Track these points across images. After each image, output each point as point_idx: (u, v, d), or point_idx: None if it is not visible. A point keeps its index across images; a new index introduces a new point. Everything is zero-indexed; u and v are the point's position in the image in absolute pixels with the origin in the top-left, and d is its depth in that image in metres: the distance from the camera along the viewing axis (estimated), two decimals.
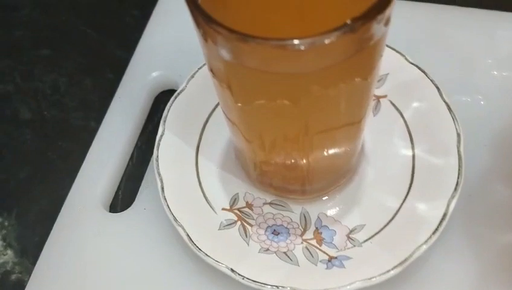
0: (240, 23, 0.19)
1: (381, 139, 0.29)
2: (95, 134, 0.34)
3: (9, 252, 0.31)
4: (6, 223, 0.32)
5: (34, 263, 0.30)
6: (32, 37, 0.41)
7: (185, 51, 0.35)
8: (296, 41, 0.16)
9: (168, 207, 0.27)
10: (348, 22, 0.17)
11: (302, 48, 0.17)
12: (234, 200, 0.28)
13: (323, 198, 0.28)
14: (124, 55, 0.38)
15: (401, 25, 0.34)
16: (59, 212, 0.31)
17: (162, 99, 0.36)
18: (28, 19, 0.42)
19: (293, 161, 0.26)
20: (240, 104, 0.22)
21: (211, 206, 0.28)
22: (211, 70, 0.22)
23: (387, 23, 0.18)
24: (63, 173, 0.33)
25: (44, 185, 0.33)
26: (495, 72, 0.33)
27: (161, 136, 0.29)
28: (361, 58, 0.19)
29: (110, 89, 0.36)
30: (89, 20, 0.41)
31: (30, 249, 0.31)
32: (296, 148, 0.24)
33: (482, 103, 0.32)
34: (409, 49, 0.31)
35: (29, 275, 0.29)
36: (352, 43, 0.17)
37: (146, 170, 0.32)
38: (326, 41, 0.16)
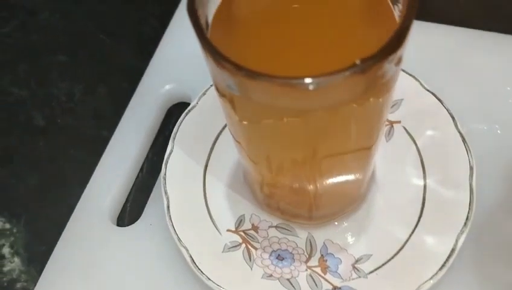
0: (250, 54, 0.19)
1: (392, 166, 0.29)
2: (106, 144, 0.34)
3: (17, 259, 0.32)
4: (14, 230, 0.33)
5: (40, 272, 0.30)
6: (49, 42, 0.41)
7: (199, 64, 0.35)
8: (303, 81, 0.16)
9: (173, 227, 0.27)
10: (358, 62, 0.16)
11: (310, 87, 0.16)
12: (240, 222, 0.28)
13: (331, 224, 0.28)
14: (140, 65, 0.38)
15: (418, 46, 0.34)
16: (67, 221, 0.31)
17: (174, 111, 0.36)
18: (46, 23, 0.42)
19: (299, 184, 0.25)
20: (245, 123, 0.21)
21: (216, 227, 0.27)
22: (217, 89, 0.21)
23: (399, 62, 0.18)
24: (73, 182, 0.34)
25: (54, 194, 0.33)
26: None
27: (170, 153, 0.29)
28: (372, 95, 0.19)
29: (124, 99, 0.36)
30: (107, 28, 0.41)
31: (37, 258, 0.31)
32: (303, 172, 0.24)
33: (498, 132, 0.31)
34: (425, 72, 0.31)
35: (35, 285, 0.29)
36: (362, 82, 0.17)
37: (155, 183, 0.32)
38: (334, 81, 0.16)
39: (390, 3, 0.20)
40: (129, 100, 0.36)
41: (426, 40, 0.34)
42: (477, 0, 0.39)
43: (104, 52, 0.40)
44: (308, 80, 0.16)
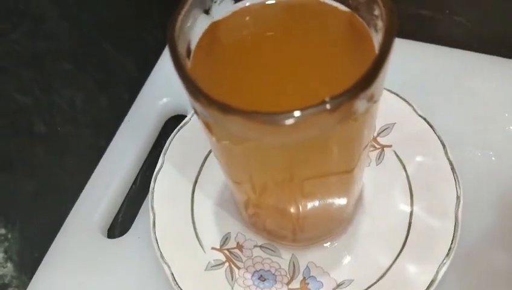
0: (228, 83, 0.19)
1: (381, 190, 0.29)
2: (102, 153, 0.35)
3: (9, 265, 0.32)
4: (9, 236, 0.33)
5: (30, 279, 0.31)
6: (55, 50, 0.42)
7: None
8: (272, 116, 0.16)
9: (157, 243, 0.27)
10: (327, 99, 0.16)
11: (280, 122, 0.16)
12: (225, 240, 0.28)
13: (315, 246, 0.28)
14: (141, 77, 0.39)
15: (416, 68, 0.34)
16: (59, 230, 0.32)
17: (171, 124, 0.36)
18: (53, 32, 0.43)
19: (282, 206, 0.25)
20: (223, 143, 0.21)
21: (200, 244, 0.28)
22: (194, 110, 0.22)
23: (371, 98, 0.18)
24: (68, 190, 0.34)
25: (49, 201, 0.34)
26: (510, 127, 0.32)
27: (160, 168, 0.29)
28: (345, 128, 0.19)
29: (123, 110, 0.37)
30: (112, 38, 0.42)
31: (29, 265, 0.32)
32: (284, 194, 0.24)
33: (493, 159, 0.31)
34: (421, 94, 0.30)
35: None
36: (332, 118, 0.17)
37: (147, 195, 0.32)
38: (303, 118, 0.16)
39: (371, 31, 0.20)
40: (128, 110, 0.36)
41: (424, 61, 0.34)
42: (484, 23, 0.39)
43: (107, 62, 0.41)
44: (277, 116, 0.16)
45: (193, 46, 0.21)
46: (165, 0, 0.43)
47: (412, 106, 0.30)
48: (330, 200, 0.25)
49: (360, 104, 0.17)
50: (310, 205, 0.25)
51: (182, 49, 0.19)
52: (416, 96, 0.30)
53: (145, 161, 0.35)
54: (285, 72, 0.20)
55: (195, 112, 0.21)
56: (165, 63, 0.38)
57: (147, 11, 0.43)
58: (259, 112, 0.16)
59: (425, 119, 0.29)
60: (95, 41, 0.42)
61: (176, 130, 0.31)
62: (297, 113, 0.16)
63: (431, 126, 0.29)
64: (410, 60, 0.34)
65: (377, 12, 0.19)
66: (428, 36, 0.38)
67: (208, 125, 0.20)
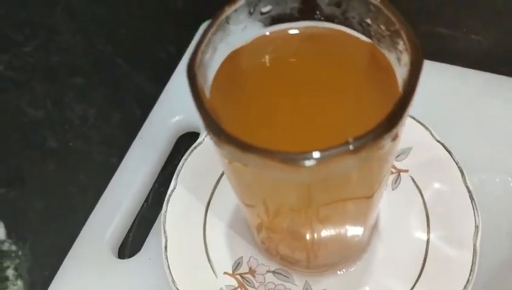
0: (245, 117, 0.19)
1: (397, 216, 0.28)
2: (114, 170, 0.34)
3: (20, 282, 0.32)
4: (20, 253, 0.33)
5: None
6: (68, 63, 0.42)
7: None
8: (294, 157, 0.16)
9: (169, 267, 0.27)
10: (350, 140, 0.16)
11: (299, 164, 0.16)
12: (238, 264, 0.28)
13: (329, 273, 0.27)
14: (154, 92, 0.38)
15: (432, 88, 0.33)
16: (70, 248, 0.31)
17: (183, 141, 0.36)
18: (67, 45, 0.43)
19: (296, 231, 0.25)
20: (235, 165, 0.21)
21: (212, 269, 0.27)
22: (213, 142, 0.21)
23: (396, 138, 0.17)
24: (79, 208, 0.34)
25: (60, 219, 0.34)
26: None
27: (172, 190, 0.29)
28: (367, 165, 0.18)
29: (135, 126, 0.37)
30: (125, 52, 0.42)
31: (39, 283, 0.32)
32: (299, 219, 0.24)
33: (511, 184, 0.30)
34: (437, 116, 0.30)
35: None
36: (355, 158, 0.17)
37: (159, 214, 0.32)
38: (324, 160, 0.16)
39: (394, 63, 0.20)
40: (140, 127, 0.36)
41: (440, 82, 0.34)
42: (502, 42, 0.38)
43: (120, 77, 0.40)
44: (297, 157, 0.16)
45: (212, 75, 0.21)
46: (177, 17, 0.43)
47: (429, 130, 0.29)
48: (346, 226, 0.25)
49: (384, 144, 0.17)
50: (325, 231, 0.24)
51: (201, 80, 0.19)
52: (432, 119, 0.30)
53: (157, 179, 0.35)
54: (304, 104, 0.20)
55: (213, 143, 0.21)
56: (177, 80, 0.37)
57: (159, 27, 0.43)
58: (279, 152, 0.16)
59: (443, 144, 0.29)
60: (107, 55, 0.42)
61: (189, 151, 0.30)
62: (318, 154, 0.16)
63: (449, 152, 0.28)
64: (427, 80, 0.33)
65: (401, 46, 0.18)
66: (445, 55, 0.38)
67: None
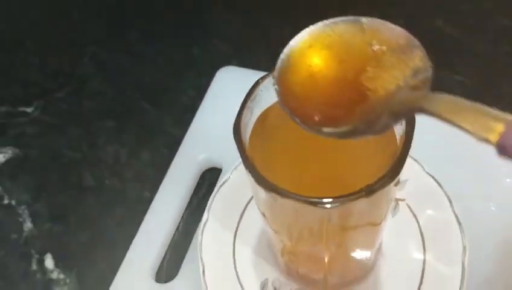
0: (276, 164, 0.24)
1: (397, 239, 0.33)
2: (147, 204, 0.39)
3: None
4: (68, 281, 0.38)
5: None
6: (99, 108, 0.47)
7: (229, 135, 0.40)
8: (320, 202, 0.21)
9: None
10: (364, 190, 0.21)
11: (324, 207, 0.21)
12: (264, 285, 0.33)
13: None
14: (178, 133, 0.43)
15: (419, 126, 0.39)
16: (114, 276, 0.36)
17: (206, 175, 0.41)
18: (96, 91, 0.48)
19: (316, 253, 0.30)
20: (269, 196, 0.26)
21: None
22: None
23: (397, 183, 0.22)
24: (119, 239, 0.39)
25: (102, 249, 0.39)
26: (508, 180, 0.37)
27: (205, 222, 0.34)
28: (378, 200, 0.23)
29: (163, 164, 0.42)
30: (149, 96, 0.47)
31: None
32: (318, 243, 0.28)
33: (492, 208, 0.36)
34: (426, 153, 0.34)
35: None
36: (368, 199, 0.22)
37: (190, 241, 0.37)
38: (344, 204, 0.21)
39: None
40: (168, 164, 0.41)
41: (427, 120, 0.39)
42: (481, 83, 0.44)
43: (147, 120, 0.45)
44: (323, 201, 0.21)
45: (249, 131, 0.26)
46: (195, 64, 0.49)
47: (421, 165, 0.34)
48: (358, 249, 0.30)
49: (389, 188, 0.22)
50: (340, 254, 0.29)
51: (243, 138, 0.24)
52: (423, 153, 0.35)
53: (185, 210, 0.39)
54: (320, 150, 0.25)
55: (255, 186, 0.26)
56: (199, 122, 0.42)
57: (180, 74, 0.48)
58: (309, 198, 0.21)
59: (433, 177, 0.34)
60: (134, 100, 0.47)
61: (218, 186, 0.35)
62: (339, 200, 0.21)
63: (438, 183, 0.34)
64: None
65: None
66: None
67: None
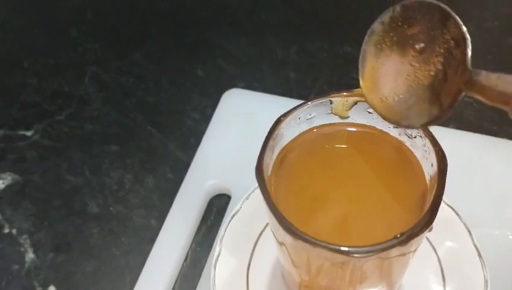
0: (298, 204, 0.23)
1: (416, 272, 0.32)
2: (154, 232, 0.38)
3: None
4: None
5: None
6: (101, 132, 0.45)
7: (237, 160, 0.39)
8: (348, 249, 0.20)
9: None
10: (396, 238, 0.20)
11: (353, 255, 0.20)
12: None
13: None
14: (183, 157, 0.42)
15: None
16: None
17: (214, 202, 0.40)
18: (98, 113, 0.47)
19: (337, 286, 0.29)
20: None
21: None
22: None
23: (431, 229, 0.22)
24: (125, 269, 0.37)
25: (108, 280, 0.37)
26: None
27: (218, 255, 0.33)
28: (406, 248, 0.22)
29: (169, 189, 0.40)
30: (153, 119, 0.46)
31: None
32: (340, 276, 0.28)
33: (510, 236, 0.35)
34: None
35: None
36: (400, 249, 0.21)
37: (200, 274, 0.36)
38: (377, 252, 0.20)
39: (422, 160, 0.24)
40: (173, 190, 0.40)
41: (450, 145, 0.38)
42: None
43: (151, 143, 0.44)
44: (351, 251, 0.20)
45: (270, 169, 0.25)
46: (200, 86, 0.48)
47: None
48: (382, 286, 0.29)
49: (422, 236, 0.21)
50: (361, 288, 0.28)
51: (265, 177, 0.23)
52: None
53: (193, 238, 0.38)
54: (343, 193, 0.24)
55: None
56: (206, 146, 0.41)
57: (184, 95, 0.47)
58: (341, 247, 0.20)
59: (452, 207, 0.33)
60: (138, 123, 0.46)
61: (230, 218, 0.34)
62: (373, 250, 0.20)
63: (457, 214, 0.33)
64: None
65: (426, 148, 0.23)
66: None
67: None
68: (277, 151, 0.25)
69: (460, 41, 0.21)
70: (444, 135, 0.40)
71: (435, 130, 0.41)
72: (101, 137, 0.45)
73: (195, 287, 0.35)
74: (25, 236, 0.40)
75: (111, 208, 0.41)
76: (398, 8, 0.23)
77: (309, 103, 0.24)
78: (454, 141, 0.39)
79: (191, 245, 0.38)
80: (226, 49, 0.50)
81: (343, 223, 0.24)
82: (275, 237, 0.26)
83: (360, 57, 0.24)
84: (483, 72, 0.20)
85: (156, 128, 0.45)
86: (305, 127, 0.26)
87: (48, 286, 0.37)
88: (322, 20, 0.53)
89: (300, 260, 0.26)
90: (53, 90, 0.49)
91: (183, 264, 0.37)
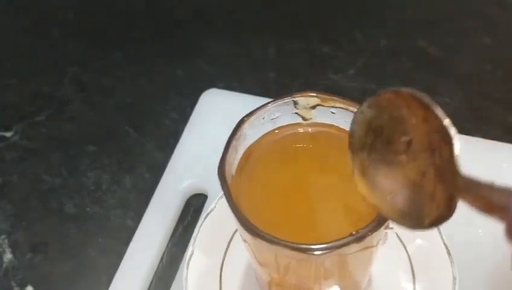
0: (261, 203, 0.24)
1: (386, 269, 0.33)
2: (131, 232, 0.38)
3: None
4: None
5: None
6: (79, 132, 0.45)
7: (215, 160, 0.39)
8: (305, 246, 0.20)
9: None
10: (354, 233, 0.20)
11: (312, 253, 0.20)
12: None
13: None
14: (160, 157, 0.43)
15: None
16: None
17: (191, 202, 0.40)
18: (76, 114, 0.47)
19: (305, 286, 0.29)
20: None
21: None
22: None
23: (388, 225, 0.22)
24: (101, 269, 0.37)
25: (84, 281, 0.37)
26: None
27: (190, 255, 0.33)
28: (365, 244, 0.23)
29: (146, 189, 0.41)
30: (131, 119, 0.46)
31: None
32: (308, 272, 0.28)
33: (480, 234, 0.35)
34: None
35: None
36: (357, 245, 0.21)
37: (175, 274, 0.36)
38: (332, 249, 0.20)
39: None
40: (151, 190, 0.40)
41: None
42: (466, 103, 0.44)
43: (129, 143, 0.44)
44: (310, 248, 0.20)
45: (234, 169, 0.25)
46: (179, 85, 0.48)
47: None
48: (349, 280, 0.29)
49: (381, 231, 0.21)
50: (330, 284, 0.29)
51: (228, 178, 0.23)
52: None
53: (170, 239, 0.38)
54: (306, 191, 0.25)
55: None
56: (184, 146, 0.41)
57: (163, 95, 0.47)
58: (298, 244, 0.20)
59: None
60: (115, 123, 0.46)
61: (203, 218, 0.35)
62: (329, 247, 0.20)
63: None
64: None
65: None
66: None
67: None
68: (241, 151, 0.25)
69: (445, 137, 0.19)
70: None
71: None
72: (79, 138, 0.45)
73: (170, 287, 0.35)
74: (3, 236, 0.40)
75: (88, 209, 0.41)
76: (372, 100, 0.21)
77: (272, 103, 0.24)
78: None
79: (167, 245, 0.38)
80: (205, 49, 0.50)
81: (307, 221, 0.24)
82: (240, 234, 0.26)
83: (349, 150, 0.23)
84: (475, 181, 0.19)
85: (134, 129, 0.45)
86: (269, 127, 0.26)
87: (25, 286, 0.37)
88: (300, 21, 0.53)
89: (263, 258, 0.26)
90: (33, 91, 0.49)
91: (159, 264, 0.37)
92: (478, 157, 0.39)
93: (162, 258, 0.38)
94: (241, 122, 0.24)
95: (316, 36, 0.50)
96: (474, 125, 0.42)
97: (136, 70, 0.49)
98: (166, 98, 0.47)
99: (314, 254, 0.21)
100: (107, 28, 0.54)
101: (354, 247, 0.21)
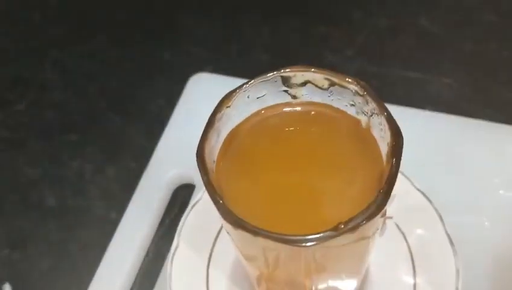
0: (246, 190, 0.21)
1: (385, 261, 0.30)
2: (114, 226, 0.36)
3: None
4: None
5: None
6: (61, 120, 0.43)
7: None
8: (293, 239, 0.18)
9: None
10: (341, 225, 0.18)
11: (302, 244, 0.18)
12: None
13: None
14: (147, 145, 0.40)
15: (406, 134, 0.36)
16: None
17: (179, 193, 0.38)
18: (58, 100, 0.44)
19: (295, 282, 0.27)
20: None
21: None
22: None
23: (385, 214, 0.20)
24: (83, 264, 0.35)
25: (65, 277, 0.35)
26: (501, 192, 0.34)
27: (175, 248, 0.31)
28: (359, 235, 0.20)
29: (131, 179, 0.38)
30: (116, 105, 0.43)
31: None
32: (298, 266, 0.26)
33: (486, 223, 0.33)
34: (411, 162, 0.32)
35: None
36: (349, 236, 0.19)
37: (160, 267, 0.34)
38: (320, 240, 0.18)
39: (379, 139, 0.22)
40: (136, 180, 0.38)
41: (414, 127, 0.36)
42: (470, 85, 0.42)
43: (113, 131, 0.42)
44: (297, 239, 0.18)
45: (216, 153, 0.23)
46: (166, 70, 0.45)
47: (410, 180, 0.32)
48: (344, 274, 0.27)
49: (375, 221, 0.19)
50: (323, 278, 0.26)
51: (210, 164, 0.21)
52: (409, 164, 0.32)
53: (156, 232, 0.36)
54: (296, 177, 0.22)
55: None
56: (170, 134, 0.39)
57: (149, 80, 0.45)
58: (283, 235, 0.18)
59: (423, 193, 0.31)
60: (99, 110, 0.43)
61: (189, 209, 0.32)
62: (316, 236, 0.18)
63: (428, 200, 0.31)
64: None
65: (382, 126, 0.21)
66: (417, 99, 0.41)
67: None
68: (224, 133, 0.23)
69: None
70: (419, 117, 0.38)
71: (408, 112, 0.38)
72: (61, 125, 0.43)
73: (155, 283, 0.33)
74: None
75: (69, 201, 0.39)
76: None
77: (257, 78, 0.22)
78: (430, 123, 0.37)
79: (153, 239, 0.36)
80: (193, 30, 0.48)
81: (298, 211, 0.22)
82: (224, 228, 0.24)
83: None
84: None
85: (119, 115, 0.43)
86: (255, 107, 0.23)
87: (2, 284, 0.35)
88: (295, 0, 0.50)
89: (249, 252, 0.24)
90: (13, 76, 0.46)
91: (144, 259, 0.35)
92: (481, 139, 0.36)
93: (147, 253, 0.36)
94: (221, 102, 0.22)
95: (312, 15, 0.48)
96: (478, 107, 0.40)
97: (121, 54, 0.47)
98: (153, 83, 0.44)
99: (302, 246, 0.18)
100: (90, 9, 0.51)
101: (347, 238, 0.19)
